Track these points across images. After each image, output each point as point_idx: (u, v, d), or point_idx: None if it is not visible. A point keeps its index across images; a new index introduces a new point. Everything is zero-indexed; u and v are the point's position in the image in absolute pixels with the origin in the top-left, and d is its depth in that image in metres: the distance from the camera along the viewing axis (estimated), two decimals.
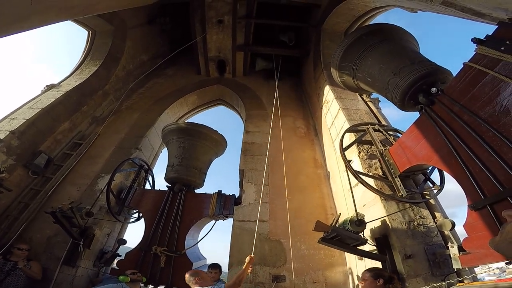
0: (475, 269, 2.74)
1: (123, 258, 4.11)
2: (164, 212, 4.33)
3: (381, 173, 3.38)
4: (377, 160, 3.55)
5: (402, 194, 3.00)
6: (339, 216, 2.76)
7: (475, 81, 2.33)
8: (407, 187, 3.21)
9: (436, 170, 3.45)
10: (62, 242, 3.91)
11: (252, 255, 2.78)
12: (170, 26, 7.22)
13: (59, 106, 4.96)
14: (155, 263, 3.91)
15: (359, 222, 2.49)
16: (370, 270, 2.52)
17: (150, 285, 3.76)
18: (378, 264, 2.81)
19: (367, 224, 2.74)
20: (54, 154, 4.93)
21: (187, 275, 2.81)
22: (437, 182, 3.41)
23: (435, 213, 3.17)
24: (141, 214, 4.74)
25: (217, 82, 7.32)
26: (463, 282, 2.52)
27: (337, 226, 2.61)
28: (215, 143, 5.11)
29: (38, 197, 4.26)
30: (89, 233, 3.99)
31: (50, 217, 3.75)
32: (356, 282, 3.33)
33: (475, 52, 2.33)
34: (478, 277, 2.87)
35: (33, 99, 5.00)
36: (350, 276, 3.54)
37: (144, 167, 5.10)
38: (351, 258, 3.58)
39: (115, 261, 4.22)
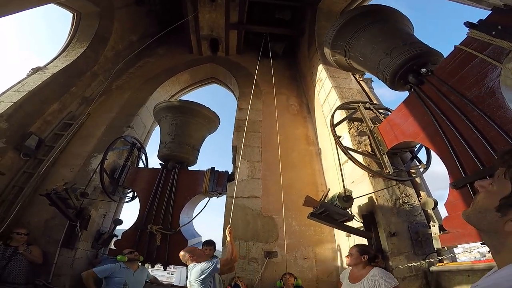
0: (457, 252, 2.91)
1: (120, 238, 4.18)
2: (158, 190, 4.37)
3: (370, 150, 3.48)
4: (367, 137, 3.64)
5: (389, 171, 3.10)
6: (328, 191, 2.86)
7: (464, 63, 2.39)
8: (395, 164, 3.33)
9: (423, 149, 3.58)
10: (59, 225, 3.95)
11: (230, 226, 2.83)
12: (159, 7, 6.99)
13: (47, 88, 4.88)
14: (151, 242, 3.99)
15: (346, 198, 2.59)
16: (358, 245, 2.66)
17: (147, 264, 3.87)
18: (364, 241, 2.95)
19: (355, 201, 2.86)
20: (45, 135, 4.87)
21: (181, 253, 2.86)
22: (424, 161, 3.55)
23: (420, 192, 3.30)
24: (135, 194, 4.78)
25: (210, 60, 7.19)
26: (443, 262, 2.70)
27: (325, 201, 2.71)
28: (207, 120, 5.11)
29: (32, 180, 4.24)
30: (85, 214, 4.02)
31: (45, 200, 3.78)
32: (344, 259, 3.51)
33: (466, 36, 2.37)
34: (458, 260, 3.04)
35: (19, 82, 4.90)
36: (338, 253, 3.70)
37: (136, 145, 5.08)
38: (339, 236, 3.74)
39: (113, 242, 4.29)
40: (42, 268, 3.72)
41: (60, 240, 3.84)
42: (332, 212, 2.58)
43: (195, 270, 2.64)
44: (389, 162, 3.24)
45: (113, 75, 6.05)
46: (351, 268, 2.64)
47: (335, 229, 3.75)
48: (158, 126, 5.30)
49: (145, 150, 5.47)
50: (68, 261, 3.80)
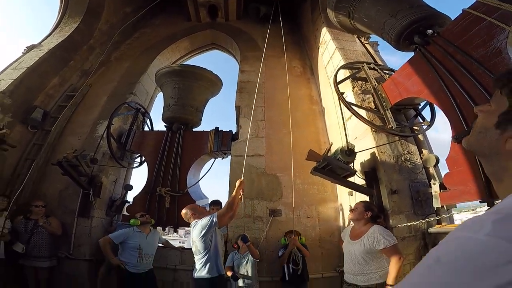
0: (457, 214, 2.99)
1: (131, 203, 4.33)
2: (165, 152, 4.45)
3: (373, 107, 3.48)
4: (370, 95, 3.62)
5: (392, 126, 3.13)
6: (331, 145, 2.90)
7: (471, 26, 2.47)
8: (398, 120, 3.35)
9: (427, 108, 3.58)
10: (73, 194, 4.11)
11: (242, 179, 2.76)
12: None
13: (45, 64, 4.96)
14: (161, 205, 4.14)
15: (349, 152, 2.63)
16: (363, 201, 2.72)
17: (158, 227, 4.01)
18: (366, 199, 3.02)
19: (357, 158, 2.89)
20: (49, 108, 4.98)
21: (183, 211, 2.86)
22: (428, 119, 3.54)
23: (423, 149, 3.32)
24: (143, 159, 4.89)
25: (210, 27, 6.98)
26: (441, 224, 2.79)
27: (328, 156, 2.75)
28: (210, 83, 5.09)
29: (42, 152, 4.39)
30: (97, 181, 4.15)
31: (58, 171, 3.90)
32: (346, 219, 3.62)
33: (475, 0, 2.43)
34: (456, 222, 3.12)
35: (16, 60, 4.97)
36: (340, 213, 3.82)
37: (140, 110, 5.12)
38: (342, 195, 3.84)
39: (125, 208, 4.45)
40: (62, 240, 3.91)
41: (76, 210, 4.01)
42: (335, 166, 2.63)
43: (197, 228, 2.64)
44: (392, 117, 3.25)
45: (110, 47, 5.99)
46: (352, 226, 2.73)
47: (337, 187, 3.87)
48: (161, 92, 5.30)
49: (149, 115, 5.51)
50: (85, 230, 3.99)
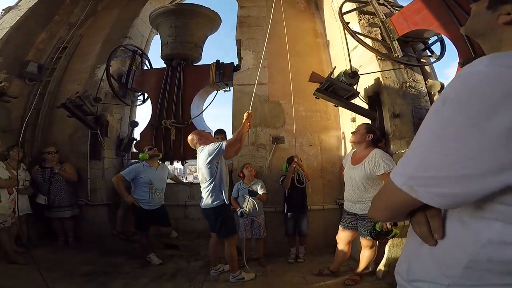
0: None
1: (139, 139, 4.44)
2: (167, 87, 4.44)
3: (380, 38, 3.32)
4: (378, 28, 3.43)
5: (398, 55, 3.01)
6: (334, 69, 2.81)
7: None
8: (405, 51, 3.21)
9: (437, 44, 3.40)
10: (82, 136, 4.19)
11: (250, 111, 2.75)
12: None
13: (28, 22, 4.78)
14: (167, 137, 4.24)
15: (352, 74, 2.56)
16: (366, 124, 2.69)
17: (166, 162, 4.12)
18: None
19: (361, 83, 2.83)
20: (42, 61, 4.85)
21: (189, 137, 2.83)
22: (438, 53, 3.38)
23: (429, 79, 3.21)
24: (146, 95, 4.90)
25: None
26: None
27: (331, 77, 2.67)
28: (208, 19, 4.91)
29: (45, 100, 4.41)
30: (103, 120, 4.16)
31: (64, 116, 3.97)
32: (348, 148, 3.60)
33: None
34: None
35: None
36: (342, 141, 3.86)
37: (138, 52, 5.00)
38: (344, 122, 3.83)
39: (133, 146, 4.54)
40: (79, 187, 4.07)
41: (87, 153, 4.10)
42: (338, 87, 2.58)
43: (203, 153, 2.65)
44: (399, 47, 3.12)
45: None
46: (354, 151, 2.73)
47: (340, 115, 3.86)
48: (158, 33, 5.13)
49: (147, 56, 5.38)
50: (99, 173, 4.14)
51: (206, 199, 2.74)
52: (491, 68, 0.44)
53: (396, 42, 3.16)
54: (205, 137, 2.82)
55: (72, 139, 4.27)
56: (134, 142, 4.54)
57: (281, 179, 3.38)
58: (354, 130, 2.71)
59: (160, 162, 3.75)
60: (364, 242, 2.58)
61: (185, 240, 3.98)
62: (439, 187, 0.47)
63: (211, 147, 2.63)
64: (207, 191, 2.72)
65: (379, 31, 3.40)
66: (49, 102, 4.44)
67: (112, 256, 3.61)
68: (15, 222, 3.11)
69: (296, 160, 3.12)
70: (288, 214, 3.35)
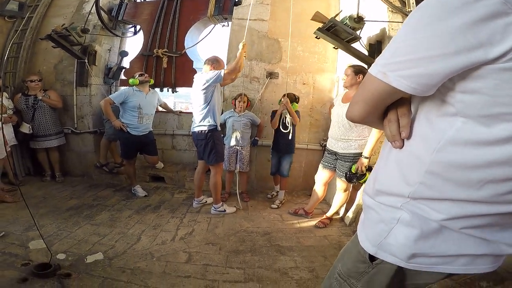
0: None
1: (128, 67, 4.31)
2: (161, 18, 4.21)
3: None
4: None
5: (411, 10, 2.85)
6: (340, 12, 2.70)
7: None
8: None
9: None
10: (69, 65, 4.04)
11: (244, 41, 2.80)
12: None
13: None
14: (158, 66, 4.14)
15: (358, 19, 2.45)
16: (352, 65, 2.61)
17: (156, 88, 4.05)
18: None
19: (365, 31, 2.70)
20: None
21: (206, 61, 2.87)
22: None
23: None
24: (138, 27, 4.62)
25: None
26: None
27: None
28: None
29: (27, 34, 4.06)
30: (91, 50, 4.01)
31: (49, 48, 3.77)
32: (341, 91, 3.59)
33: None
34: None
35: None
36: (336, 84, 3.83)
37: None
38: (342, 68, 3.66)
39: (122, 74, 4.41)
40: (65, 115, 4.00)
41: (73, 81, 4.00)
42: (340, 29, 2.48)
43: (201, 78, 2.71)
44: (415, 2, 2.95)
45: None
46: (346, 91, 2.72)
47: (338, 60, 3.80)
48: None
49: None
50: (85, 99, 4.08)
51: (199, 122, 2.81)
52: None
53: None
54: (219, 64, 2.86)
55: (58, 68, 4.10)
56: (124, 70, 4.38)
57: (271, 115, 3.41)
58: (343, 74, 2.66)
59: (151, 89, 3.67)
60: (339, 184, 2.72)
61: (171, 171, 4.10)
62: (407, 69, 0.53)
63: (210, 74, 2.67)
64: (201, 114, 2.79)
65: None
66: (31, 37, 4.10)
67: (99, 189, 3.72)
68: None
69: (284, 102, 3.07)
70: (272, 152, 3.44)
